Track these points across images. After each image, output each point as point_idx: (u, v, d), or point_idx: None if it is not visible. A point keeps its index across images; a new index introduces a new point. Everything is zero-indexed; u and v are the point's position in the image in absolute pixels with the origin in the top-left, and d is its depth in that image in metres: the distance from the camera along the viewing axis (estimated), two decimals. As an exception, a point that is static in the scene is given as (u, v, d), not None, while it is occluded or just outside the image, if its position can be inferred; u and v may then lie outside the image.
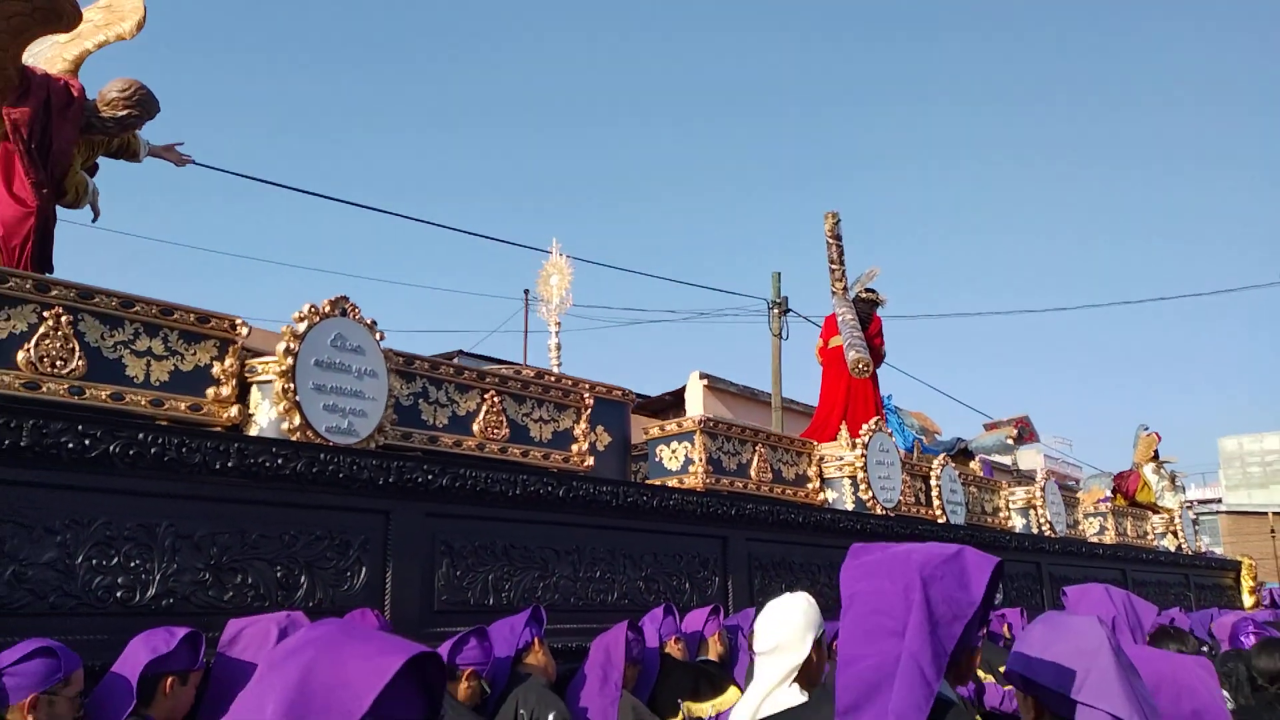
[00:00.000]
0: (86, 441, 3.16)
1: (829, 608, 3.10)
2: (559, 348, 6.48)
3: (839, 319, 8.83)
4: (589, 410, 5.38)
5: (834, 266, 9.28)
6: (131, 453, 3.25)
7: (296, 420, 3.83)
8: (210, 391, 3.87)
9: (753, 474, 6.28)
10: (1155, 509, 11.95)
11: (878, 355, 9.05)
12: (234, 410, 3.90)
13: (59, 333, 3.48)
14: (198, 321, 3.88)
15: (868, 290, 9.16)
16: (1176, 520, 11.74)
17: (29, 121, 3.73)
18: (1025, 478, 18.98)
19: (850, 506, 6.83)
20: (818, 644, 2.88)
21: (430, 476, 4.09)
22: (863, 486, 6.88)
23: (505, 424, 4.87)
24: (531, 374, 5.43)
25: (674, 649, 4.44)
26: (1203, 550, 12.75)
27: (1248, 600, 11.92)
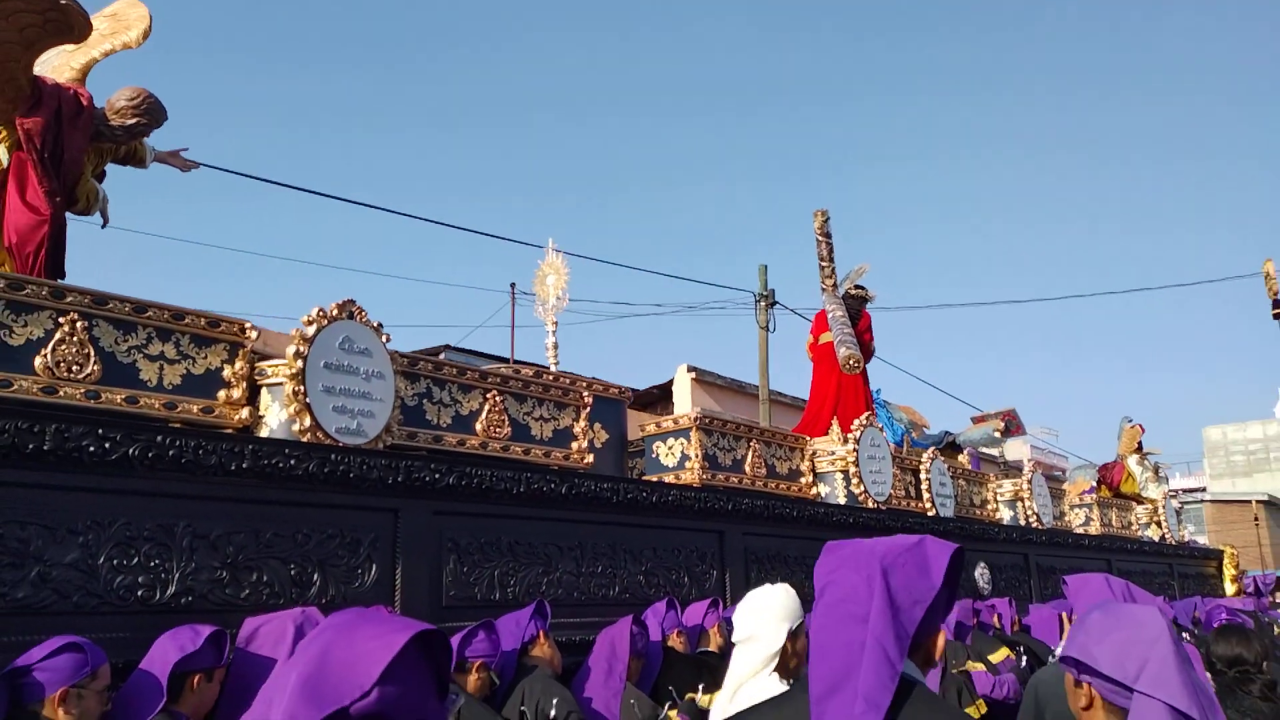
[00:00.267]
0: (107, 445, 3.24)
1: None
2: (556, 346, 6.58)
3: (829, 315, 8.96)
4: (588, 408, 5.48)
5: (823, 263, 9.41)
6: (150, 455, 3.33)
7: (307, 421, 3.92)
8: (221, 394, 3.95)
9: (747, 469, 6.39)
10: (1139, 500, 12.15)
11: (867, 350, 9.18)
12: (245, 412, 3.98)
13: (75, 338, 3.56)
14: (208, 326, 3.96)
15: (857, 287, 9.29)
16: (1160, 511, 11.93)
17: (42, 131, 3.80)
18: (1012, 468, 19.17)
19: (842, 500, 6.96)
20: (794, 634, 2.94)
21: (437, 475, 4.18)
22: (854, 480, 7.00)
23: (507, 423, 4.96)
24: (530, 373, 5.52)
25: (676, 642, 4.55)
26: (1186, 540, 12.95)
27: (1230, 588, 12.12)
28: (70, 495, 3.19)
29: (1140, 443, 12.64)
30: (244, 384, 4.01)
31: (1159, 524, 11.81)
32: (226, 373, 3.98)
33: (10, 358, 3.41)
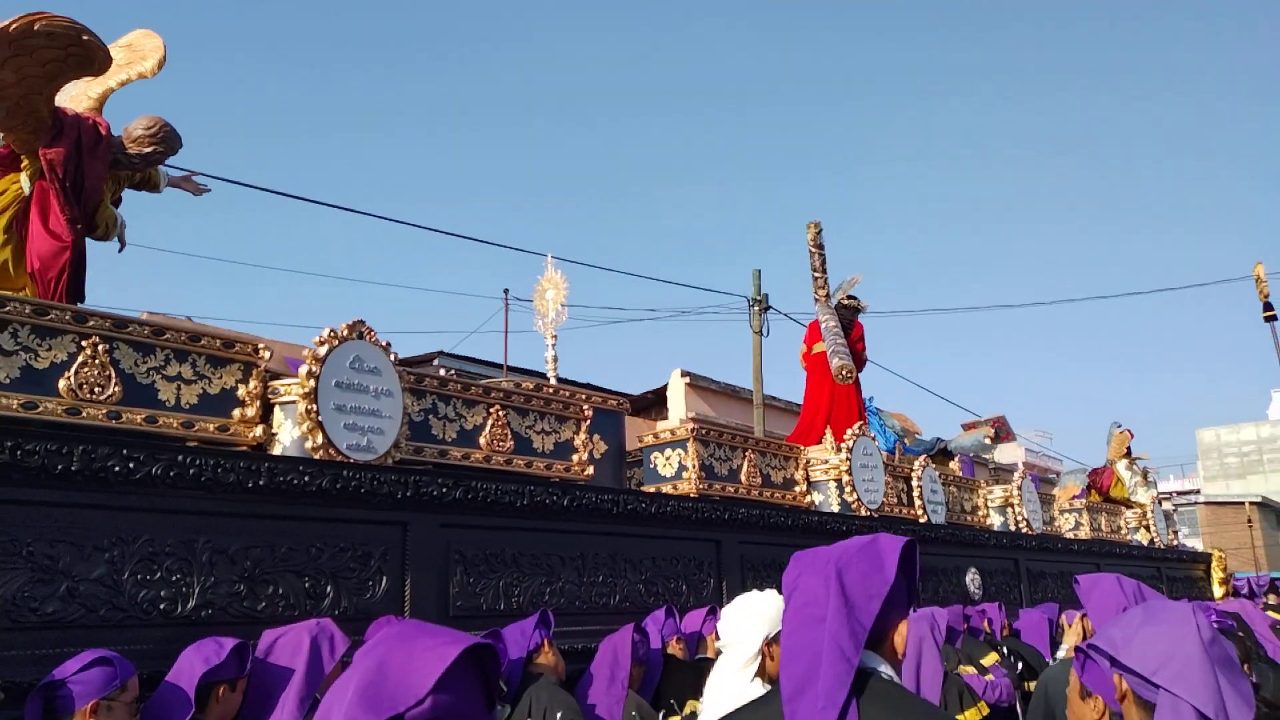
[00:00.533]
0: (130, 464, 3.38)
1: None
2: (556, 359, 6.73)
3: (822, 326, 9.13)
4: (588, 421, 5.62)
5: (816, 274, 9.58)
6: (171, 474, 3.48)
7: (319, 439, 4.07)
8: (236, 413, 4.09)
9: (743, 479, 6.55)
10: (1128, 504, 12.32)
11: (860, 360, 9.35)
12: (259, 430, 4.12)
13: (96, 361, 3.70)
14: (223, 346, 4.10)
15: (849, 297, 9.46)
16: (1149, 515, 12.11)
17: (63, 161, 3.95)
18: (1004, 471, 19.31)
19: (836, 508, 7.11)
20: (772, 640, 2.99)
21: (444, 490, 4.33)
22: (848, 489, 7.16)
23: (510, 436, 5.11)
24: (531, 386, 5.67)
25: (676, 649, 4.69)
26: (1176, 543, 13.13)
27: (1218, 591, 12.30)
28: (96, 513, 3.33)
29: (1129, 448, 12.82)
30: (258, 403, 4.15)
31: (1148, 528, 11.98)
32: (241, 392, 4.12)
33: (35, 380, 3.55)
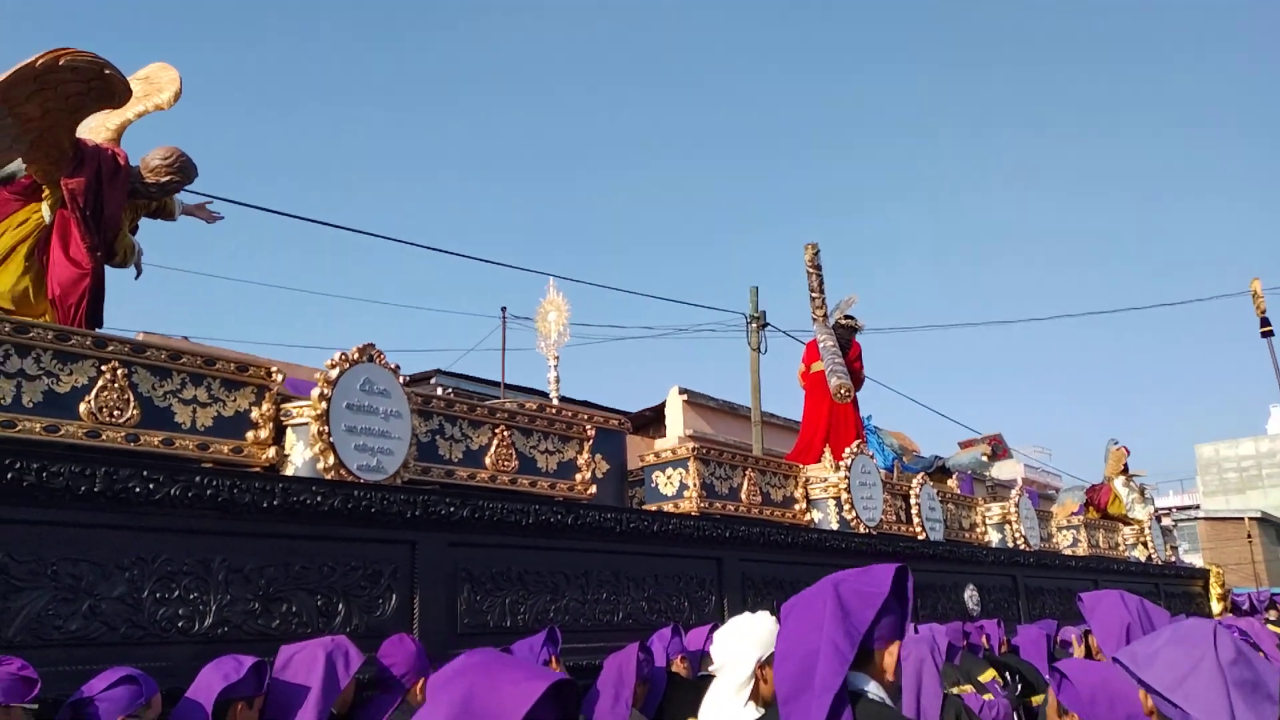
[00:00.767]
0: (150, 485, 3.49)
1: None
2: (558, 380, 6.84)
3: (820, 345, 9.25)
4: (590, 441, 5.73)
5: (814, 295, 9.72)
6: (190, 494, 3.59)
7: (331, 460, 4.17)
8: (250, 434, 4.19)
9: (743, 497, 6.65)
10: (1126, 521, 12.41)
11: (857, 379, 9.47)
12: (271, 451, 4.22)
13: (115, 385, 3.80)
14: (237, 370, 4.21)
15: (847, 317, 9.59)
16: (1147, 531, 12.20)
17: (84, 191, 4.07)
18: (1003, 488, 19.38)
19: (835, 526, 7.21)
20: (764, 663, 3.02)
21: (452, 509, 4.43)
22: (846, 506, 7.26)
23: (515, 456, 5.21)
24: (534, 406, 5.77)
25: (680, 667, 4.78)
26: (1174, 559, 13.21)
27: (1216, 607, 12.37)
28: (117, 533, 3.43)
29: (1126, 464, 12.93)
30: (270, 425, 4.26)
31: (1145, 544, 12.07)
32: (254, 414, 4.23)
33: (58, 404, 3.66)
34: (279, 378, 4.33)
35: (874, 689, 2.03)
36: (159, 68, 4.68)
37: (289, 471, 4.23)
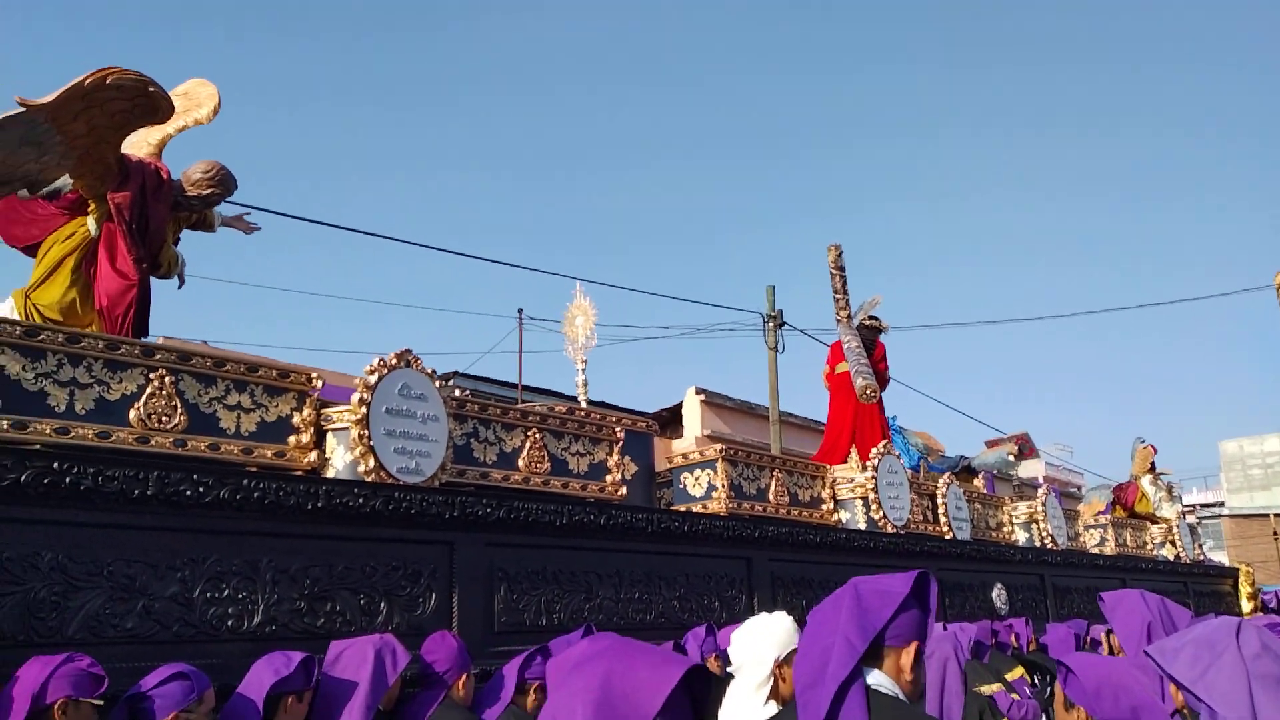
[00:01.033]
0: (200, 489, 3.60)
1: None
2: (586, 384, 6.93)
3: (844, 346, 9.28)
4: (620, 443, 5.81)
5: (838, 296, 9.75)
6: (238, 497, 3.69)
7: (371, 463, 4.28)
8: (292, 439, 4.30)
9: (771, 498, 6.72)
10: (1154, 519, 12.37)
11: (882, 379, 9.50)
12: (313, 455, 4.33)
13: (163, 392, 3.92)
14: (279, 376, 4.32)
15: (871, 318, 9.61)
16: (1174, 530, 12.16)
17: (130, 205, 4.20)
18: (1026, 486, 19.33)
19: (862, 526, 7.26)
20: (783, 663, 3.04)
21: (489, 510, 4.52)
22: (874, 506, 7.31)
23: (547, 458, 5.30)
24: (564, 409, 5.86)
25: (714, 666, 4.85)
26: (1201, 557, 13.16)
27: (1246, 606, 12.31)
28: (169, 535, 3.55)
29: (1153, 463, 12.88)
30: (311, 429, 4.37)
31: (1174, 543, 12.03)
32: (296, 419, 4.34)
33: (109, 411, 3.78)
34: (319, 384, 4.44)
35: (887, 684, 2.06)
36: (197, 83, 4.81)
37: (330, 474, 4.34)
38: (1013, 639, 7.22)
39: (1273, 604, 14.08)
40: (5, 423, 3.48)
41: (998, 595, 8.25)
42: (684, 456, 6.70)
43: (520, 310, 16.57)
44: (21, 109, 3.78)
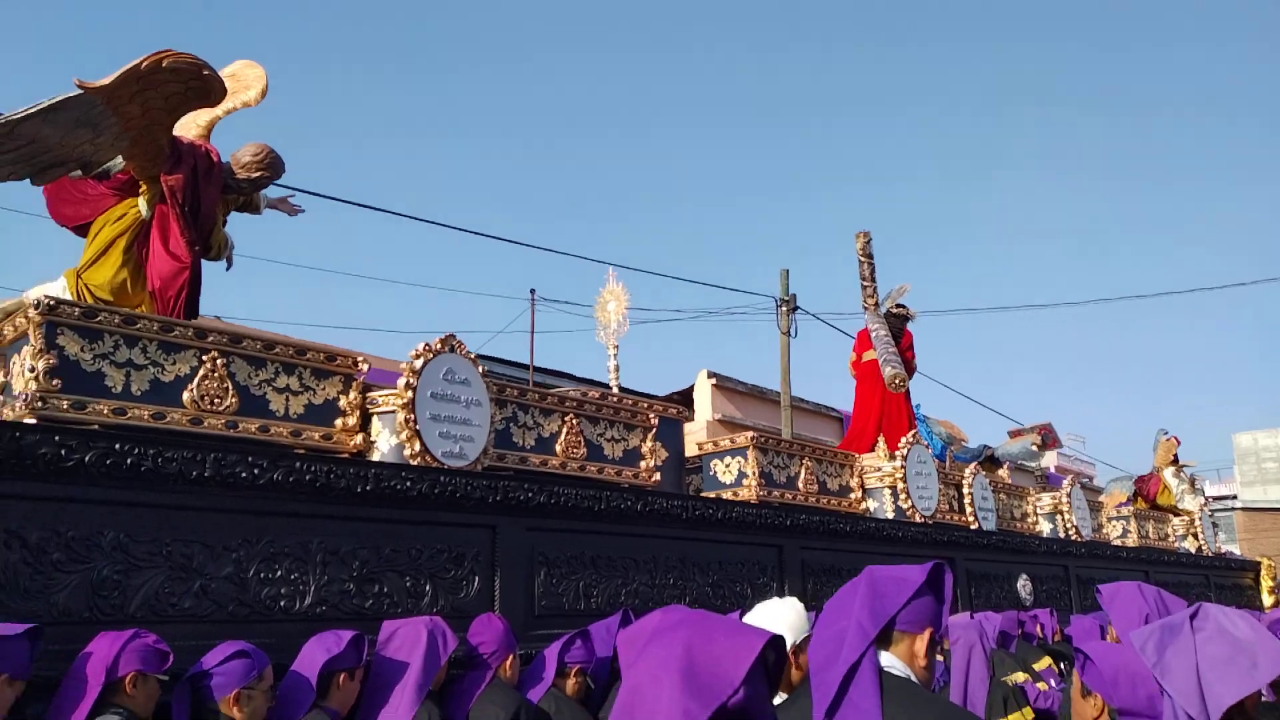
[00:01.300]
0: (255, 471, 3.66)
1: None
2: (618, 369, 6.96)
3: (872, 334, 9.29)
4: (654, 429, 5.85)
5: (865, 283, 9.76)
6: (291, 479, 3.75)
7: (417, 446, 4.32)
8: (339, 422, 4.35)
9: (801, 486, 6.75)
10: (1176, 512, 12.36)
11: (909, 368, 9.50)
12: (359, 438, 4.38)
13: (215, 374, 3.97)
14: (326, 360, 4.37)
15: (899, 305, 9.62)
16: (1197, 523, 12.15)
17: (182, 187, 4.24)
18: (1047, 478, 19.25)
19: (890, 515, 7.29)
20: (797, 649, 3.06)
21: (530, 494, 4.57)
22: (902, 496, 7.34)
23: (583, 444, 5.34)
24: (596, 395, 5.90)
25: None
26: (1222, 550, 13.14)
27: (1267, 600, 12.30)
28: (225, 516, 3.61)
29: (1176, 455, 12.86)
30: (357, 412, 4.41)
31: (1195, 535, 12.02)
32: (342, 402, 4.38)
33: (163, 392, 3.83)
34: (365, 367, 4.48)
35: (900, 666, 2.09)
36: (245, 65, 4.83)
37: (374, 457, 4.39)
38: (1038, 630, 7.26)
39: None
40: (66, 403, 3.54)
41: (1023, 586, 8.27)
42: (714, 443, 6.74)
43: (533, 291, 16.59)
44: (79, 91, 3.81)
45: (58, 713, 2.85)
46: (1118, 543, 10.55)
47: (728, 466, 6.56)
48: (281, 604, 3.69)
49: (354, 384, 4.44)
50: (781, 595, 5.97)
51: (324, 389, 4.35)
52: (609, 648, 4.26)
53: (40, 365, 3.52)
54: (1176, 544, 11.75)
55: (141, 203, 4.38)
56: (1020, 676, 6.19)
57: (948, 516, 8.01)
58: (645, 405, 6.15)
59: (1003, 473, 10.25)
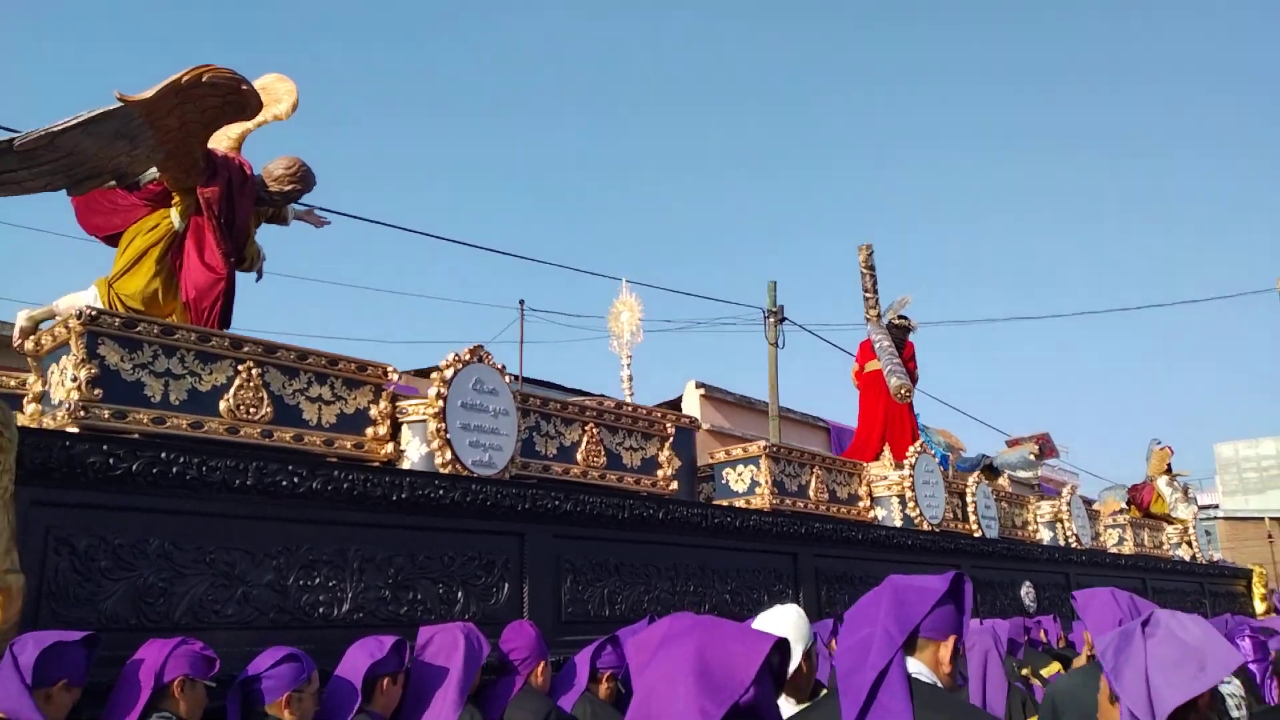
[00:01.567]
0: (295, 479, 3.70)
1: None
2: (631, 379, 7.03)
3: (875, 345, 9.40)
4: (670, 439, 5.92)
5: (868, 295, 9.87)
6: (329, 488, 3.79)
7: (448, 455, 4.38)
8: (370, 431, 4.40)
9: (811, 494, 6.82)
10: (1169, 520, 12.50)
11: (912, 378, 9.60)
12: (390, 447, 4.43)
13: (251, 384, 4.02)
14: (357, 370, 4.42)
15: (901, 317, 9.72)
16: (1190, 531, 12.28)
17: (218, 200, 4.29)
18: (1025, 486, 19.34)
19: (898, 522, 7.37)
20: (807, 655, 3.13)
21: (556, 502, 4.63)
22: (910, 504, 7.42)
23: (603, 453, 5.41)
24: (612, 404, 5.96)
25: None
26: (1215, 559, 13.28)
27: (1259, 607, 12.44)
28: (266, 524, 3.65)
29: (1169, 464, 13.00)
30: (388, 421, 4.46)
31: (1189, 544, 12.16)
32: (373, 412, 4.43)
33: (200, 402, 3.87)
34: (395, 377, 4.53)
35: (926, 673, 2.17)
36: (275, 79, 4.88)
37: (405, 466, 4.44)
38: (1042, 636, 7.36)
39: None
40: (107, 412, 3.58)
41: (1026, 593, 8.37)
42: (726, 452, 6.81)
43: (522, 301, 16.64)
44: (119, 104, 3.86)
45: (110, 717, 2.89)
46: (1114, 550, 10.67)
47: (740, 475, 6.63)
48: (320, 610, 3.73)
49: (384, 394, 4.49)
50: (797, 602, 6.04)
51: (355, 398, 4.40)
52: (637, 654, 4.30)
53: (82, 375, 3.56)
54: (1171, 552, 11.88)
55: (174, 214, 4.42)
56: (1033, 681, 6.28)
57: (953, 525, 8.10)
58: (660, 414, 6.21)
59: (1003, 481, 10.35)
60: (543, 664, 3.97)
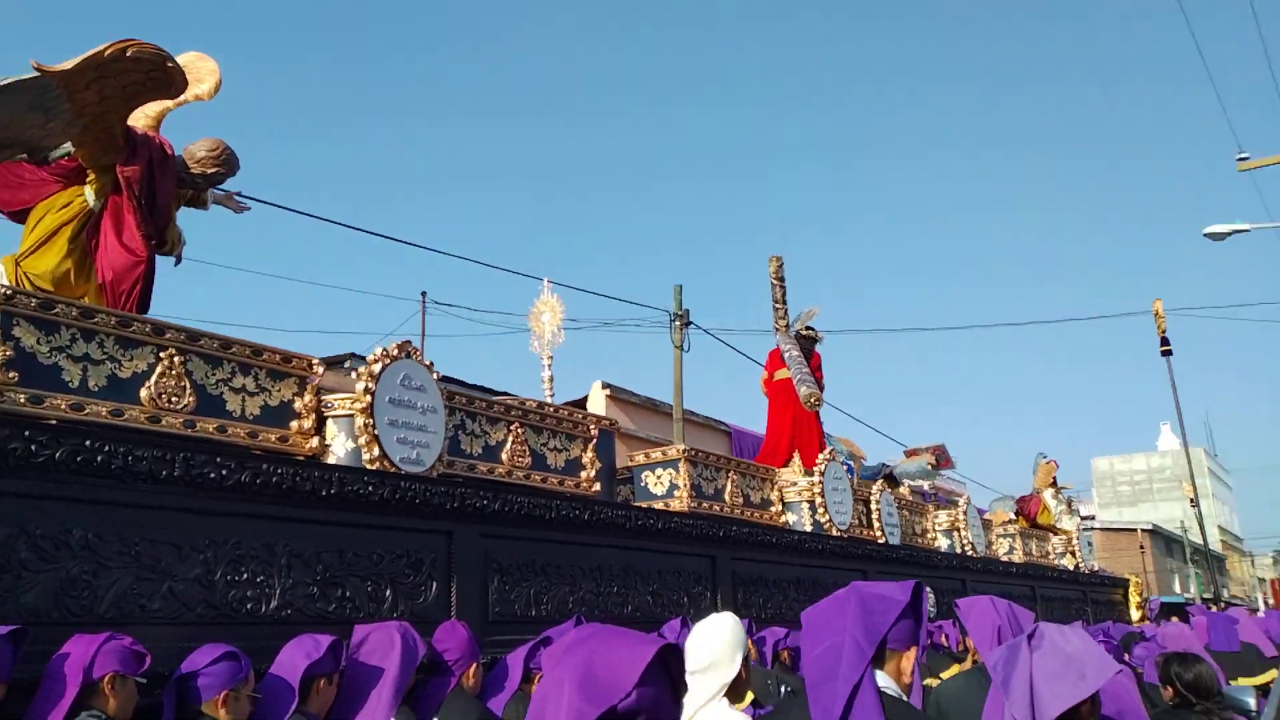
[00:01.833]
0: (224, 472, 3.56)
1: (793, 617, 3.59)
2: (552, 380, 6.98)
3: (785, 354, 9.54)
4: (594, 440, 5.90)
5: (778, 305, 10.02)
6: (258, 481, 3.66)
7: (376, 451, 4.27)
8: (294, 424, 4.26)
9: (727, 498, 6.89)
10: (1054, 530, 13.03)
11: (819, 387, 9.80)
12: (315, 441, 4.30)
13: (173, 371, 3.85)
14: (282, 361, 4.28)
15: (808, 328, 9.90)
16: (1074, 541, 12.83)
17: (139, 178, 4.10)
18: (917, 495, 19.91)
19: (808, 528, 7.50)
20: (745, 661, 3.18)
21: (484, 501, 4.56)
22: (820, 509, 7.56)
23: (528, 453, 5.36)
24: (534, 404, 5.91)
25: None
26: (1096, 569, 13.91)
27: (1135, 614, 13.07)
28: (193, 517, 3.50)
29: (1055, 478, 13.56)
30: (313, 415, 4.33)
31: (1073, 553, 12.70)
32: (298, 405, 4.30)
33: (120, 389, 3.69)
34: (320, 370, 4.41)
35: (893, 687, 2.24)
36: (196, 57, 4.69)
37: (330, 461, 4.31)
38: (943, 639, 7.58)
39: (1153, 614, 14.92)
40: (23, 397, 3.38)
41: (927, 599, 8.60)
42: (646, 455, 6.83)
43: (424, 294, 16.35)
44: (36, 73, 3.66)
45: (35, 715, 2.72)
46: (1005, 558, 11.07)
47: (659, 478, 6.64)
48: (249, 607, 3.60)
49: (309, 386, 4.36)
50: (715, 604, 6.09)
51: (279, 390, 4.27)
52: (568, 653, 4.27)
53: (-5, 357, 3.36)
54: (1056, 561, 12.39)
55: (89, 192, 4.21)
56: (933, 682, 6.43)
57: (859, 531, 8.28)
58: (584, 416, 6.19)
59: (904, 490, 10.64)
60: (475, 665, 3.90)
